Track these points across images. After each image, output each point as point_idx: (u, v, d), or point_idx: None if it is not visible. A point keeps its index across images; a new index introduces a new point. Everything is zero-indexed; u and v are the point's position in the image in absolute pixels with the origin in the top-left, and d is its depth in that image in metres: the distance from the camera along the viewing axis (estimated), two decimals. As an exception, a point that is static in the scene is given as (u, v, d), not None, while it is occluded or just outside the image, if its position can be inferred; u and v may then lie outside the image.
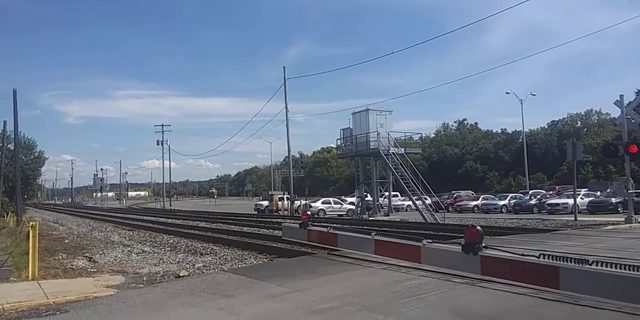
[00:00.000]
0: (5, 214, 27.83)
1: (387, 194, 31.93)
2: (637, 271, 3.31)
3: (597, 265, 3.54)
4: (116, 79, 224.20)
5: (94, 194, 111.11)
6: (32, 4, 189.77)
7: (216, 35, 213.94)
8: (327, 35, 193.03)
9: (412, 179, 26.61)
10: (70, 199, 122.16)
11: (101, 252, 13.27)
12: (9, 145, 34.13)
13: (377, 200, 30.72)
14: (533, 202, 32.27)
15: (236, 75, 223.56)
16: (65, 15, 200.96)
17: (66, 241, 17.20)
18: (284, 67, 37.31)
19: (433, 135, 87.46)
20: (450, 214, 29.67)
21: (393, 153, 27.94)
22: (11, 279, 8.59)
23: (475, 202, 36.42)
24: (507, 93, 51.93)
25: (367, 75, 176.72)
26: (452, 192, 43.17)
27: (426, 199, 27.04)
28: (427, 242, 4.78)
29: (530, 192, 38.32)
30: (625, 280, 3.36)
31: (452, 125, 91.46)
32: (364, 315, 5.44)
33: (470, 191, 45.46)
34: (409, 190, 26.61)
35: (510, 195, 36.82)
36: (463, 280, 6.72)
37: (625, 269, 3.40)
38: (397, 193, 36.74)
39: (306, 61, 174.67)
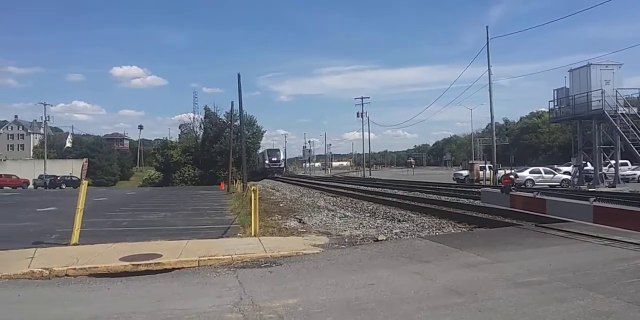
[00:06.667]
0: (234, 181, 32.85)
1: (612, 162, 27.36)
2: None
3: None
4: (320, 57, 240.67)
5: (303, 164, 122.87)
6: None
7: (411, 3, 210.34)
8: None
9: (647, 144, 22.25)
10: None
11: (309, 215, 14.54)
12: (235, 122, 39.75)
13: (600, 170, 26.61)
14: None
15: (432, 42, 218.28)
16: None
17: (281, 205, 19.42)
18: (486, 27, 33.81)
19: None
20: (702, 186, 24.08)
21: (622, 114, 23.62)
22: (238, 234, 10.07)
23: None
24: None
25: (586, 27, 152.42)
26: None
27: (667, 167, 22.36)
28: (669, 210, 3.83)
29: None
30: None
31: None
32: (579, 292, 4.75)
33: None
34: (643, 157, 22.33)
35: None
36: None
37: None
38: (627, 161, 31.26)
39: (509, 19, 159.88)
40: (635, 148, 22.59)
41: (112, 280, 6.13)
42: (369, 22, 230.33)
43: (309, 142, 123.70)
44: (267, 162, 64.52)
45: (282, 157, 70.01)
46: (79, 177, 52.33)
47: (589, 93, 24.92)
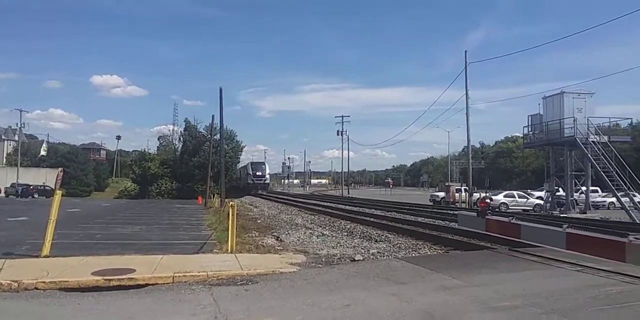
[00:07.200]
0: (212, 196, 32.50)
1: (583, 188, 28.11)
2: None
3: None
4: (302, 74, 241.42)
5: (282, 180, 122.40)
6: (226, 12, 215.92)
7: (393, 25, 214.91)
8: (512, 14, 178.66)
9: (617, 172, 22.94)
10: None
11: (287, 233, 14.48)
12: (215, 136, 39.53)
13: (572, 196, 27.27)
14: None
15: (413, 64, 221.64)
16: (260, 22, 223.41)
17: (258, 221, 19.28)
18: (465, 52, 34.90)
19: (649, 120, 73.71)
20: (668, 215, 24.80)
21: (593, 142, 24.33)
22: (214, 250, 9.94)
23: None
24: None
25: (562, 56, 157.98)
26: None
27: (635, 195, 23.05)
28: (635, 237, 3.99)
29: None
30: None
31: (673, 109, 75.62)
32: (552, 318, 4.84)
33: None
34: (613, 184, 23.00)
35: None
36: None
37: None
38: (597, 188, 32.15)
39: (488, 45, 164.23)
40: (605, 175, 23.25)
41: (83, 294, 5.98)
42: (351, 41, 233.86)
43: (289, 158, 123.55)
44: (250, 176, 57.79)
45: (267, 171, 61.47)
46: (53, 186, 51.21)
47: (561, 120, 25.69)
